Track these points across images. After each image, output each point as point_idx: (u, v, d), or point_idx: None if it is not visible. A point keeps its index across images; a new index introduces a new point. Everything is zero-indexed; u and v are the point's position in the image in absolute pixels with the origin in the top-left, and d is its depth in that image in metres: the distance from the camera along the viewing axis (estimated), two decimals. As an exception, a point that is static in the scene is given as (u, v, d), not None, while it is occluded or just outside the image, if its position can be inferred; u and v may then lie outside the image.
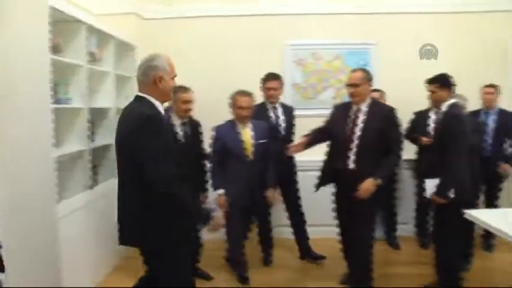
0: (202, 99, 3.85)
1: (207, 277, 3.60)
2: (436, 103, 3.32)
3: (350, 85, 3.09)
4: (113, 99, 3.85)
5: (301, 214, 3.96)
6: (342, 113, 3.19)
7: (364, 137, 3.01)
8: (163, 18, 4.57)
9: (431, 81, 3.28)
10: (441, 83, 3.20)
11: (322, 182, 3.25)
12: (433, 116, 4.01)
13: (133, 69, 4.31)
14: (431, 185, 3.13)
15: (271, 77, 3.84)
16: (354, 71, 3.18)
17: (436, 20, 4.60)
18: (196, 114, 3.60)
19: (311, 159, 3.54)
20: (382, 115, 3.05)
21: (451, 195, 3.03)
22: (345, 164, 3.06)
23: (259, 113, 3.80)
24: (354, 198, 2.94)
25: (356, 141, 3.02)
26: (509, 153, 4.03)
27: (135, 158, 2.00)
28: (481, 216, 2.68)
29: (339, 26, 4.66)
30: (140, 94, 2.14)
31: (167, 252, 2.11)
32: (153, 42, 4.50)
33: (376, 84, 4.58)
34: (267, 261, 3.94)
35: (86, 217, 3.31)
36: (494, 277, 3.62)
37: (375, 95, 3.79)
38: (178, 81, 3.49)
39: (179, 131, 3.33)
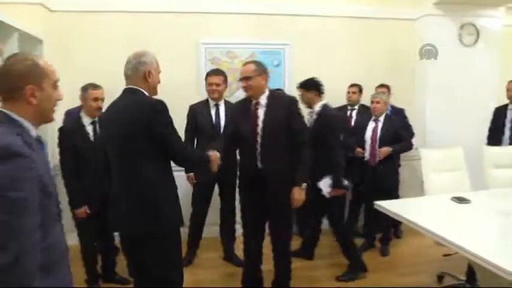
0: (114, 96, 3.71)
1: (125, 282, 3.44)
2: (307, 104, 3.61)
3: (242, 79, 2.93)
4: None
5: (234, 215, 3.90)
6: (241, 110, 3.03)
7: (267, 132, 2.86)
8: (72, 11, 4.29)
9: (299, 86, 3.64)
10: (306, 87, 3.57)
11: (242, 185, 3.15)
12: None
13: (41, 65, 4.04)
14: (324, 184, 3.39)
15: (213, 72, 3.77)
16: (245, 64, 3.02)
17: (346, 23, 4.88)
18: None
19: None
20: (283, 106, 2.90)
21: (346, 183, 3.41)
22: (253, 163, 2.92)
23: (201, 110, 3.74)
24: (272, 202, 2.93)
25: (259, 138, 2.87)
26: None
27: (153, 140, 2.14)
28: (389, 206, 2.93)
29: (253, 26, 4.73)
30: (132, 87, 2.25)
31: (173, 237, 2.28)
32: (61, 36, 4.25)
33: (289, 84, 4.78)
34: (189, 261, 3.86)
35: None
36: (411, 258, 4.02)
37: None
38: (87, 78, 3.36)
39: (89, 130, 3.17)
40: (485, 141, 4.54)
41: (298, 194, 2.87)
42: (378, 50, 4.96)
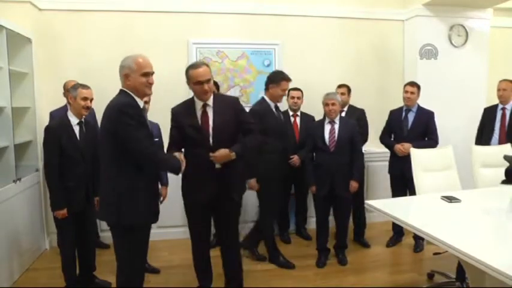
0: (102, 96, 3.70)
1: (106, 285, 3.34)
2: None
3: (205, 81, 2.81)
4: (8, 97, 3.50)
5: None
6: (187, 112, 2.94)
7: (217, 131, 2.87)
8: (61, 9, 4.26)
9: None
10: None
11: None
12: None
13: (30, 65, 3.97)
14: None
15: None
16: (197, 67, 2.86)
17: (336, 24, 4.91)
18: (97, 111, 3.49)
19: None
20: (229, 106, 2.95)
21: None
22: (211, 164, 2.87)
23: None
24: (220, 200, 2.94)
25: (212, 139, 2.87)
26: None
27: (117, 141, 2.30)
28: (380, 206, 2.93)
29: (244, 26, 4.74)
30: (122, 87, 2.43)
31: (135, 230, 2.40)
32: (50, 35, 4.22)
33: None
34: None
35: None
36: (402, 257, 4.04)
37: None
38: (76, 77, 3.31)
39: (76, 130, 3.13)
40: (474, 141, 4.48)
41: (224, 152, 2.82)
42: (367, 50, 5.00)
